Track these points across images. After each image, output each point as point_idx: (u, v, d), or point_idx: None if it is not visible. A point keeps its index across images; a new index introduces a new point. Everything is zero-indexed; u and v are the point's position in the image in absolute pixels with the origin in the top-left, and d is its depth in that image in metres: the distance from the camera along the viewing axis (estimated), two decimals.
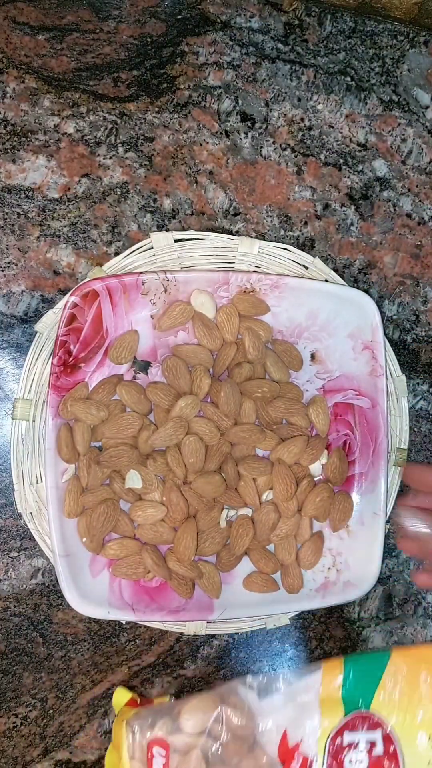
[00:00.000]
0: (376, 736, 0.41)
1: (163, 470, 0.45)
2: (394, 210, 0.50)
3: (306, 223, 0.50)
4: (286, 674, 0.44)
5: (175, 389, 0.45)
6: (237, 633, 0.50)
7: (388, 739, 0.40)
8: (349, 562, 0.48)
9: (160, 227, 0.48)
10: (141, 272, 0.45)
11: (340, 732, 0.41)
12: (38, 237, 0.47)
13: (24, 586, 0.48)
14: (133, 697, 0.46)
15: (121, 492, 0.45)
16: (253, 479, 0.46)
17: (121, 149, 0.47)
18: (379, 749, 0.41)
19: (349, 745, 0.41)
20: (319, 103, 0.49)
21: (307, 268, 0.48)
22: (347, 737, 0.41)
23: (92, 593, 0.45)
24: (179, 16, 0.48)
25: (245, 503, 0.47)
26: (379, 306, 0.48)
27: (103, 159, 0.47)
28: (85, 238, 0.47)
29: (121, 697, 0.47)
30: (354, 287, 0.48)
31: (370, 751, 0.40)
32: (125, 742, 0.41)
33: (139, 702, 0.47)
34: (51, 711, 0.49)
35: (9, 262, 0.47)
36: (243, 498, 0.46)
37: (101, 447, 0.46)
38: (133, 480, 0.45)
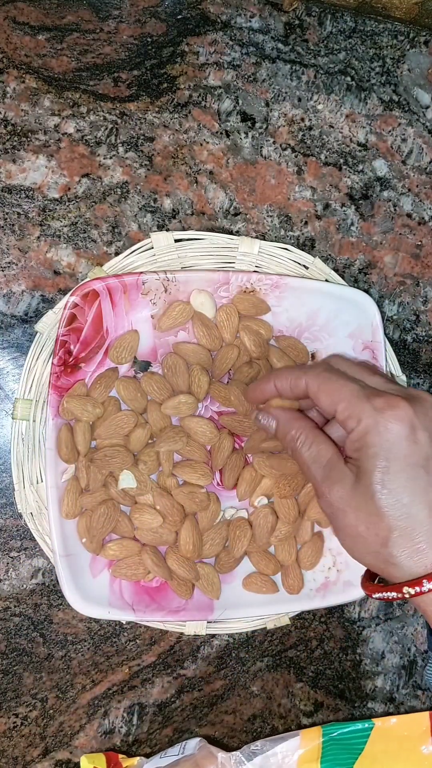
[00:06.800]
0: None
1: (155, 468, 0.45)
2: (395, 210, 0.50)
3: (306, 223, 0.50)
4: (264, 743, 0.44)
5: (172, 386, 0.45)
6: (237, 633, 0.50)
7: None
8: (349, 562, 0.48)
9: (161, 227, 0.48)
10: (141, 272, 0.45)
11: None
12: (38, 237, 0.47)
13: (24, 586, 0.48)
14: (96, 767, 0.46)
15: (117, 496, 0.45)
16: (251, 477, 0.46)
17: (121, 149, 0.47)
18: None
19: None
20: (320, 103, 0.49)
21: (307, 268, 0.48)
22: None
23: (92, 593, 0.45)
24: (179, 16, 0.48)
25: (235, 493, 0.47)
26: (380, 306, 0.48)
27: (104, 159, 0.47)
28: (86, 238, 0.47)
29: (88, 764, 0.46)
30: (354, 287, 0.48)
31: None
32: None
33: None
34: (51, 711, 0.49)
35: (9, 262, 0.47)
36: (238, 491, 0.46)
37: (96, 447, 0.46)
38: (127, 480, 0.45)
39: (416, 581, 0.33)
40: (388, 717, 0.46)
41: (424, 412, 0.35)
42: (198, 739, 0.47)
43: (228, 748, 0.50)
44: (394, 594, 0.34)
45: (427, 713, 0.45)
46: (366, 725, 0.45)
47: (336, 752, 0.44)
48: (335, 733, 0.45)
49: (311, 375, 0.38)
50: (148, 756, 0.49)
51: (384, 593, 0.34)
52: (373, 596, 0.35)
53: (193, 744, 0.46)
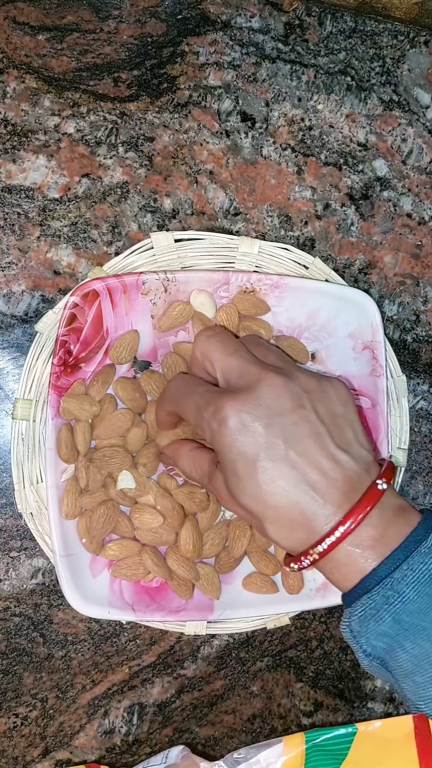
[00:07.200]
0: None
1: (154, 470, 0.45)
2: (395, 210, 0.50)
3: (306, 223, 0.50)
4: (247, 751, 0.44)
5: None
6: (237, 633, 0.50)
7: None
8: None
9: (161, 227, 0.48)
10: (141, 272, 0.45)
11: None
12: (38, 237, 0.47)
13: (24, 586, 0.48)
14: None
15: (117, 496, 0.45)
16: None
17: (121, 149, 0.47)
18: None
19: None
20: (320, 103, 0.49)
21: (307, 268, 0.48)
22: None
23: (92, 593, 0.45)
24: (179, 16, 0.48)
25: None
26: (380, 306, 0.48)
27: (104, 159, 0.47)
28: (86, 238, 0.47)
29: None
30: (354, 287, 0.48)
31: None
32: None
33: None
34: (51, 711, 0.49)
35: (9, 262, 0.47)
36: None
37: (96, 447, 0.46)
38: (125, 481, 0.45)
39: (296, 558, 0.35)
40: (371, 721, 0.45)
41: (256, 401, 0.35)
42: (181, 747, 0.47)
43: (227, 749, 0.51)
44: (288, 568, 0.37)
45: (410, 716, 0.45)
46: (349, 730, 0.45)
47: (320, 758, 0.44)
48: (318, 739, 0.45)
49: (163, 403, 0.42)
50: (148, 755, 0.49)
51: (286, 567, 0.37)
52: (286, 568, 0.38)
53: (175, 753, 0.46)
